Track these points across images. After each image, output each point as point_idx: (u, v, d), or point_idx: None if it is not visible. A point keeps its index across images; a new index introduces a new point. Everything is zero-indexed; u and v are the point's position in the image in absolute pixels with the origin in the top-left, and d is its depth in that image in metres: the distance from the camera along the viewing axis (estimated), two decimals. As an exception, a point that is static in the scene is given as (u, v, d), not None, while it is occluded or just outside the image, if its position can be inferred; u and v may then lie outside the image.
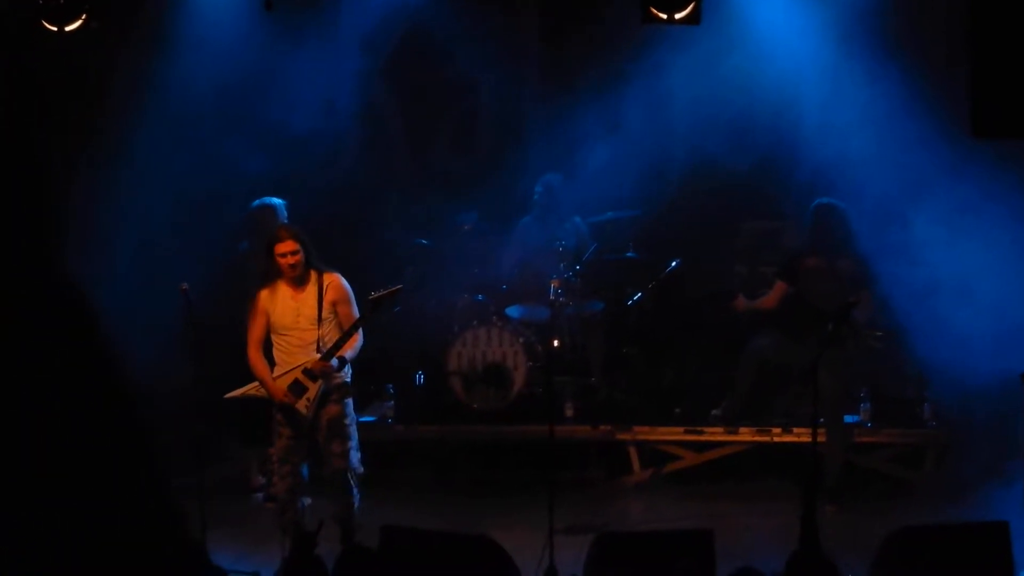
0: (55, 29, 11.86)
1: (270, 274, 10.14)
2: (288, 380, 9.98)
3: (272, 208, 11.90)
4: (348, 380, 10.18)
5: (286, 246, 10.01)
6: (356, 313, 10.12)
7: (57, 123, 12.60)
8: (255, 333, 10.09)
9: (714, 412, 12.91)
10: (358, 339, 10.11)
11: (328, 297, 10.06)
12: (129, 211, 12.84)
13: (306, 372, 9.96)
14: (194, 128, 13.18)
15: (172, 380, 10.62)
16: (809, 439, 10.08)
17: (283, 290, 10.09)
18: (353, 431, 10.18)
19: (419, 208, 14.32)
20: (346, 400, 10.17)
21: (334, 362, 9.98)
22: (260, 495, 12.42)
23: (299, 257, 10.00)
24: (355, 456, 10.13)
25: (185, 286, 10.03)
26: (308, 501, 10.11)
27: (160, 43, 13.10)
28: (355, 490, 10.12)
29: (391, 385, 13.27)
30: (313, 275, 10.10)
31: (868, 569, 8.81)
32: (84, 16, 11.89)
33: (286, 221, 11.72)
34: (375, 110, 14.50)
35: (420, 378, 13.49)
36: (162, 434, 5.12)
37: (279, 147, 13.28)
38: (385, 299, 10.09)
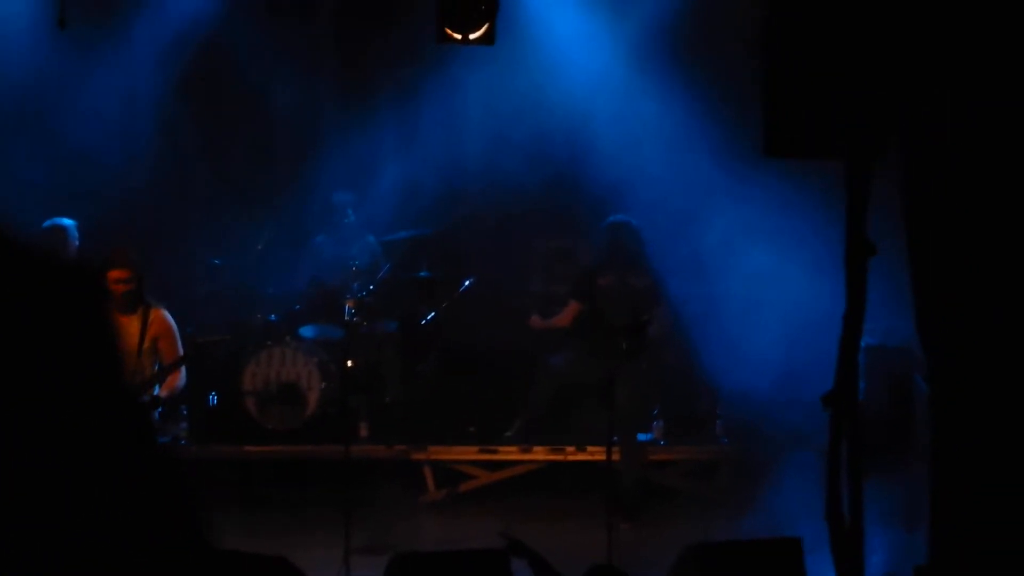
0: None
1: None
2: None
3: (63, 228, 11.68)
4: (156, 417, 10.02)
5: (120, 273, 9.88)
6: (180, 351, 10.00)
7: None
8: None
9: (507, 434, 12.90)
10: (179, 380, 10.01)
11: (151, 331, 9.97)
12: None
13: None
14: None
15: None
16: (603, 457, 10.14)
17: (104, 314, 9.89)
18: None
19: (215, 223, 14.12)
20: None
21: (144, 398, 9.81)
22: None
23: (131, 286, 9.87)
24: None
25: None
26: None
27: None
28: None
29: (184, 407, 13.04)
30: (140, 307, 9.96)
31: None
32: None
33: (77, 243, 11.56)
34: (171, 125, 14.26)
35: (214, 399, 13.30)
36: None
37: (75, 161, 13.05)
38: (209, 346, 10.01)
